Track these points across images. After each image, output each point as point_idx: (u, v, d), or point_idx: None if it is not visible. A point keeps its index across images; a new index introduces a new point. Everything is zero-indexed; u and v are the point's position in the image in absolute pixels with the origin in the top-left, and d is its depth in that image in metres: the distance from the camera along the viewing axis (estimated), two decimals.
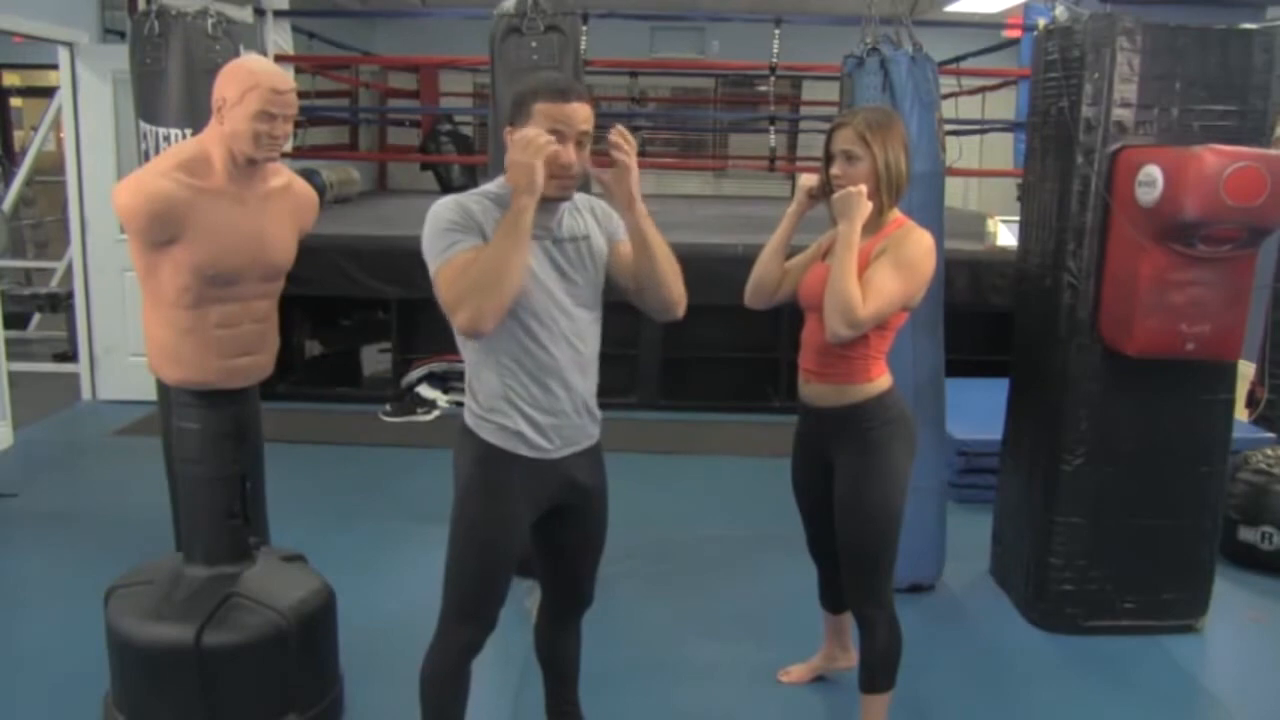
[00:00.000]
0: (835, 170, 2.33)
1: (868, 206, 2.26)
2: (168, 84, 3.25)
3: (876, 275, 2.25)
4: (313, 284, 5.13)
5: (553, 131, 1.89)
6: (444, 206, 1.96)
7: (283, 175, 2.48)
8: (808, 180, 2.44)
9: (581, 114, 1.92)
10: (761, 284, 2.49)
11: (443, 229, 1.93)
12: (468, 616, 2.08)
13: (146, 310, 2.37)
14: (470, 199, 1.98)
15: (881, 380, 2.38)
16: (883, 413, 2.36)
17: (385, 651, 2.90)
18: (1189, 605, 3.27)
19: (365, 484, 4.52)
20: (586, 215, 2.09)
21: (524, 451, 2.03)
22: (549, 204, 1.95)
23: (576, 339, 2.04)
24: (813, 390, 2.44)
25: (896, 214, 2.37)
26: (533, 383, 2.00)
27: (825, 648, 2.91)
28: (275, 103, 2.25)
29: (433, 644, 2.12)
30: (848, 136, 2.30)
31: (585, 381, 2.08)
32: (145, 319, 2.38)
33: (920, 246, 2.30)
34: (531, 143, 1.86)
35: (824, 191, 2.38)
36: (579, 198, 2.09)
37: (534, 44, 3.26)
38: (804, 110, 9.98)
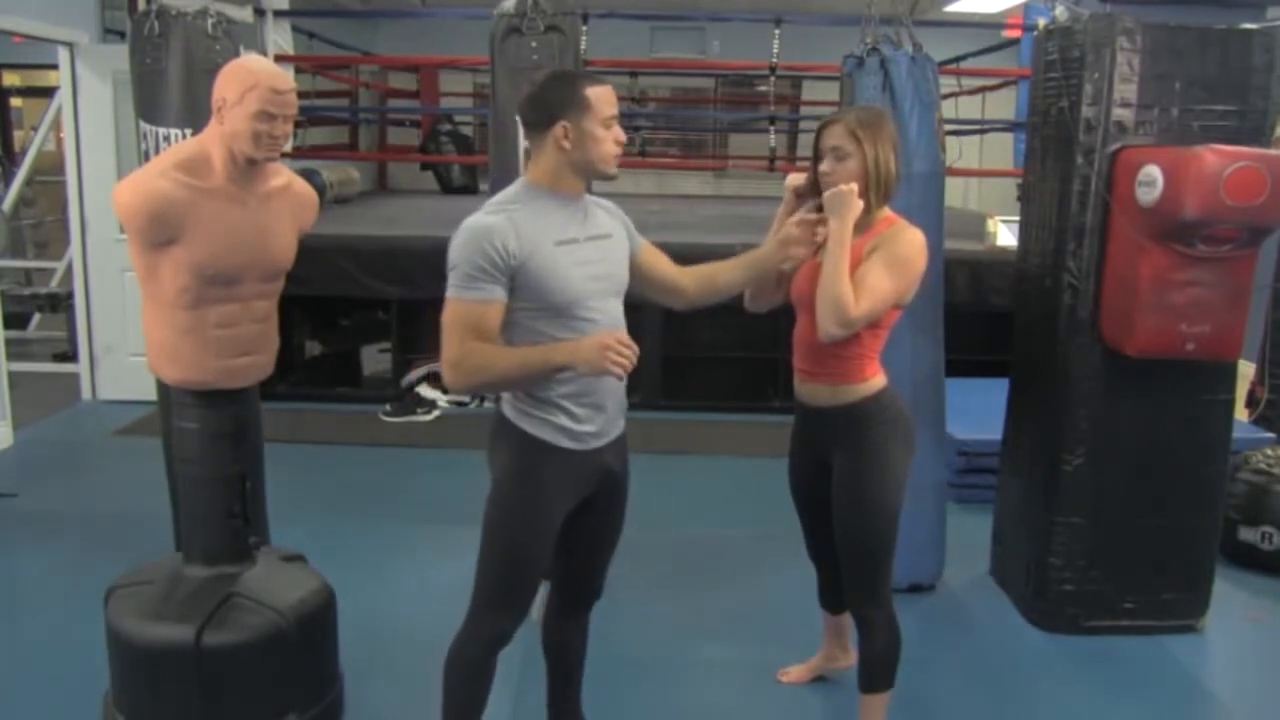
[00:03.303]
0: (824, 167, 2.31)
1: (859, 205, 2.25)
2: (168, 84, 3.26)
3: (869, 274, 2.24)
4: (313, 284, 5.12)
5: (611, 116, 2.01)
6: (478, 236, 1.95)
7: (283, 175, 2.47)
8: (794, 179, 2.42)
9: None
10: (759, 289, 2.46)
11: (468, 270, 1.94)
12: (500, 606, 2.10)
13: (146, 310, 2.37)
14: (501, 221, 1.96)
15: (876, 379, 2.37)
16: (879, 412, 2.36)
17: (385, 651, 2.90)
18: (1189, 605, 3.27)
19: (365, 484, 4.52)
20: (605, 215, 2.17)
21: (566, 444, 2.05)
22: (579, 192, 2.07)
23: (615, 330, 2.06)
24: (808, 390, 2.44)
25: (887, 212, 2.36)
26: (580, 376, 2.00)
27: (825, 648, 2.91)
28: (275, 103, 2.24)
29: (462, 632, 2.13)
30: (838, 133, 2.29)
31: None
32: (145, 319, 2.38)
33: (912, 245, 2.29)
34: (614, 348, 1.87)
35: (812, 190, 2.36)
36: (596, 200, 2.17)
37: (534, 44, 3.27)
38: (804, 110, 9.97)
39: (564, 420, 2.04)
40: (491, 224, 1.96)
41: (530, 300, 1.98)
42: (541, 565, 2.12)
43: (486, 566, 2.09)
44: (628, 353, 1.88)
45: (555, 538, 2.11)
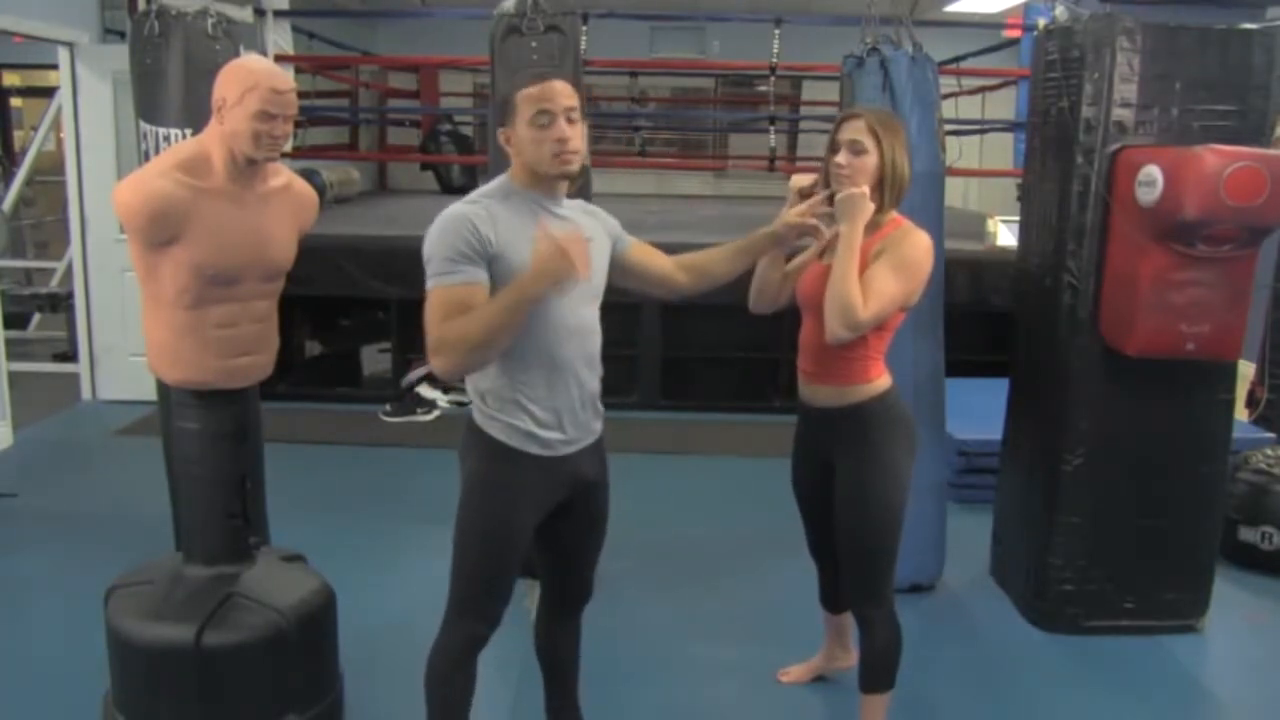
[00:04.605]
0: (840, 159, 2.30)
1: (870, 208, 2.25)
2: (168, 84, 3.25)
3: (876, 277, 2.24)
4: (313, 284, 5.12)
5: (540, 113, 1.95)
6: (454, 223, 1.95)
7: (283, 175, 2.47)
8: (799, 180, 2.41)
9: (563, 89, 1.98)
10: (763, 290, 2.48)
11: (447, 255, 1.93)
12: (471, 612, 2.10)
13: (146, 310, 2.37)
14: (478, 210, 1.97)
15: (881, 380, 2.37)
16: (883, 413, 2.36)
17: (385, 651, 2.91)
18: (1189, 605, 3.27)
19: (365, 484, 4.52)
20: (587, 219, 2.15)
21: (533, 450, 2.04)
22: (554, 192, 2.04)
23: (586, 335, 2.07)
24: (812, 391, 2.44)
25: (894, 214, 2.36)
26: (544, 381, 2.01)
27: (825, 648, 2.91)
28: (275, 103, 2.24)
29: (438, 637, 2.13)
30: (859, 128, 2.29)
31: (592, 377, 2.11)
32: (145, 319, 2.38)
33: (919, 248, 2.30)
34: (571, 246, 1.84)
35: (822, 182, 2.35)
36: (583, 204, 2.16)
37: (534, 44, 3.26)
38: (804, 110, 9.98)
39: (531, 426, 2.02)
40: (467, 212, 1.96)
41: None
42: (512, 571, 2.10)
43: (458, 573, 2.09)
44: (579, 248, 1.85)
45: (526, 543, 2.10)
